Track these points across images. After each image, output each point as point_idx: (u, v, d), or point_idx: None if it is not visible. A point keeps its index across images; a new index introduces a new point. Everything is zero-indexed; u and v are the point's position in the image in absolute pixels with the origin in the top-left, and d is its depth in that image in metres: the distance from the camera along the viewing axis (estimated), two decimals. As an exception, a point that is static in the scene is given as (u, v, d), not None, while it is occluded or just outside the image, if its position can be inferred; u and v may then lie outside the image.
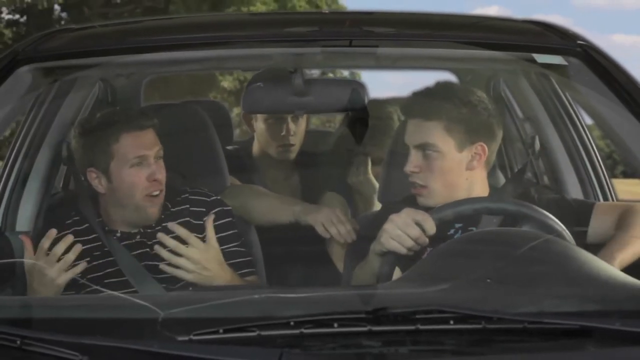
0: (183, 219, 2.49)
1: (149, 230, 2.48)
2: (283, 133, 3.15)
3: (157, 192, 2.46)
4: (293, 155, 3.22)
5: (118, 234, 2.49)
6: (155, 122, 2.48)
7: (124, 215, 2.49)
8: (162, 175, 2.47)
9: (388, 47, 2.37)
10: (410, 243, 2.08)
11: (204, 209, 2.52)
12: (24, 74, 2.24)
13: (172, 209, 2.52)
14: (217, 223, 2.47)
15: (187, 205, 2.53)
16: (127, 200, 2.45)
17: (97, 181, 2.47)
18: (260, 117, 3.20)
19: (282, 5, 18.09)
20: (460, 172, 2.32)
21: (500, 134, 2.38)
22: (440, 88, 2.39)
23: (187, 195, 2.56)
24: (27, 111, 2.84)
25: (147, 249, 2.44)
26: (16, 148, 2.87)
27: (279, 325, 1.50)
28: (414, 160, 2.32)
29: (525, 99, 3.25)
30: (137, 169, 2.43)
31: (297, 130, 3.18)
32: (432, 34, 2.36)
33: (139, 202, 2.44)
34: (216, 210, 2.52)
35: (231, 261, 2.45)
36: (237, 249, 2.52)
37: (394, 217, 2.11)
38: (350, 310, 1.54)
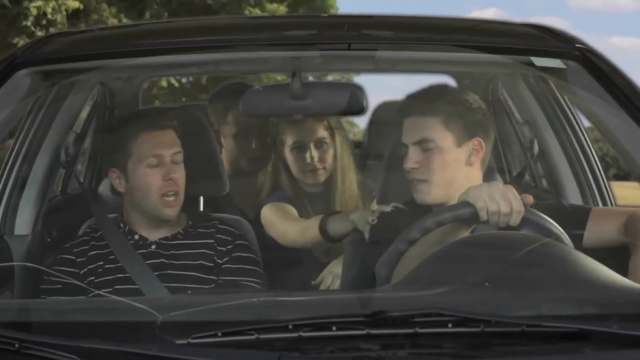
0: (207, 241, 2.49)
1: (164, 242, 2.48)
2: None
3: (172, 192, 2.44)
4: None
5: (136, 237, 2.49)
6: (175, 122, 2.48)
7: (142, 216, 2.49)
8: (178, 175, 2.45)
9: (386, 50, 2.37)
10: (494, 209, 2.01)
11: (230, 239, 2.51)
12: (23, 77, 2.24)
13: (198, 230, 2.51)
14: (237, 254, 2.47)
15: (213, 230, 2.52)
16: (144, 200, 2.45)
17: (118, 181, 2.48)
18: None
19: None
20: (459, 167, 2.31)
21: (493, 137, 2.38)
22: (435, 89, 2.39)
23: (215, 222, 2.55)
24: (26, 115, 2.84)
25: (163, 259, 2.44)
26: (15, 151, 2.86)
27: (278, 328, 1.49)
28: (413, 156, 2.30)
29: (524, 103, 3.24)
30: (153, 169, 2.43)
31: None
32: (431, 38, 2.36)
33: (155, 202, 2.44)
34: (238, 242, 2.51)
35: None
36: (255, 285, 2.47)
37: (494, 183, 2.05)
38: (348, 314, 1.54)
